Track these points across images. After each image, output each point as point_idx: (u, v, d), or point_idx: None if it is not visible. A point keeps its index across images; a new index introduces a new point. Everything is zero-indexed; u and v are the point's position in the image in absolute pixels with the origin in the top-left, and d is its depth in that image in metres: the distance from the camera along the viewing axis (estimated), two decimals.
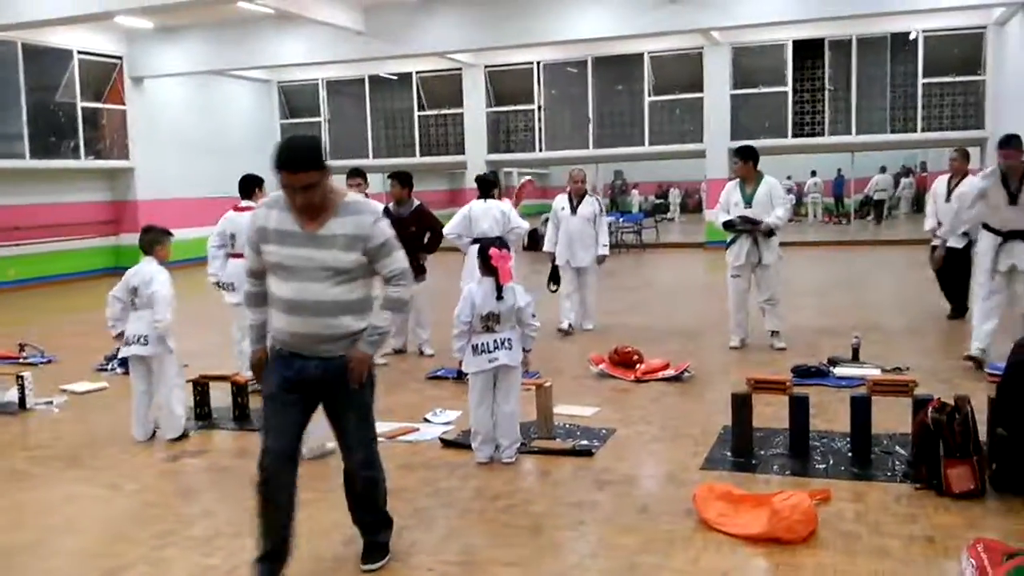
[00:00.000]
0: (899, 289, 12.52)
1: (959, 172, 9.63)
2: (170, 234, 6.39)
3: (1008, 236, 7.15)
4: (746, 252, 8.46)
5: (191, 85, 20.58)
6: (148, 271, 6.13)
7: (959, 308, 9.81)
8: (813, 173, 29.26)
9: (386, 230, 3.74)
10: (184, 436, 6.21)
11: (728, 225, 8.51)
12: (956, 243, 8.63)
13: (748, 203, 8.39)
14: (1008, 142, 7.09)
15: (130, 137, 19.02)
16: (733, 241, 8.57)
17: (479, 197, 8.99)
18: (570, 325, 9.84)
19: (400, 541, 4.25)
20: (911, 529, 4.18)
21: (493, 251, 5.37)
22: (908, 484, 4.72)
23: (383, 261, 3.74)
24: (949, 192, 9.53)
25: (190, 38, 18.33)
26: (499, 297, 5.30)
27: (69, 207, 18.10)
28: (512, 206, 9.03)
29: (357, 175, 8.52)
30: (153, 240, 6.28)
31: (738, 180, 8.60)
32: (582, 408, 6.55)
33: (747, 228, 8.38)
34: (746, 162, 8.49)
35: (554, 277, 10.01)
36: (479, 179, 9.15)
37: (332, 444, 5.74)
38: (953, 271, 9.44)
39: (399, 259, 3.78)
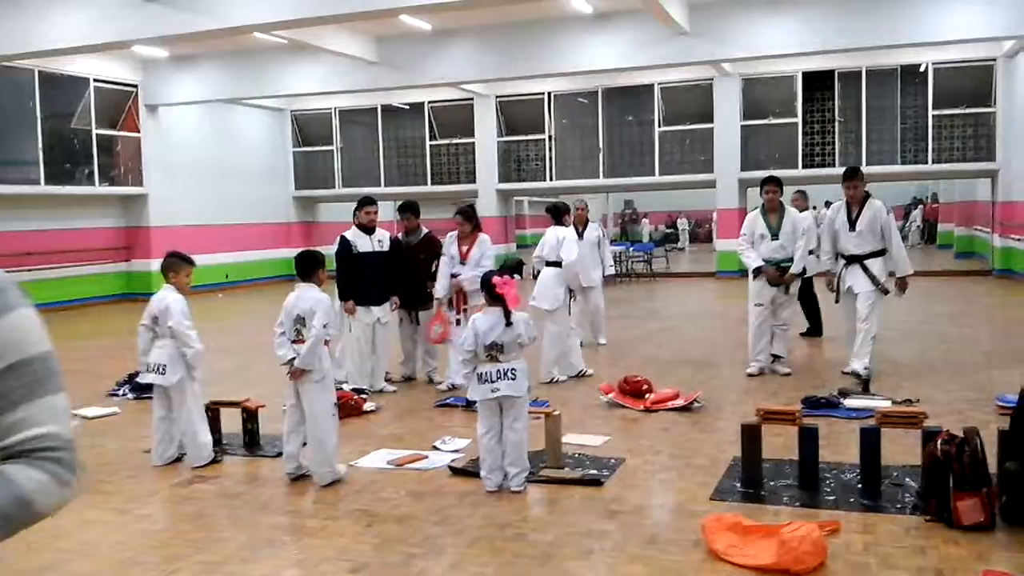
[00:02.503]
0: (909, 320, 12.49)
1: (798, 209, 10.40)
2: (188, 261, 6.32)
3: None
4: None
5: (205, 113, 20.81)
6: (164, 300, 6.13)
7: (816, 329, 11.04)
8: (827, 204, 29.13)
9: (31, 332, 1.60)
10: (215, 462, 6.24)
11: (757, 272, 8.53)
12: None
13: (775, 235, 8.50)
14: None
15: (144, 164, 19.20)
16: (759, 271, 8.60)
17: (554, 224, 9.16)
18: (579, 342, 10.34)
19: (409, 569, 4.26)
20: (920, 561, 4.17)
21: (496, 279, 5.42)
22: (918, 516, 4.70)
23: (17, 411, 1.53)
24: None
25: (205, 67, 18.55)
26: (508, 323, 5.33)
27: (82, 233, 18.25)
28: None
29: (369, 204, 8.56)
30: (166, 266, 6.28)
31: (760, 210, 8.66)
32: (591, 437, 6.56)
33: (775, 278, 8.47)
34: (778, 189, 8.63)
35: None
36: (548, 208, 9.41)
37: (343, 468, 5.80)
38: (808, 296, 10.79)
39: (57, 411, 1.57)
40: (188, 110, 20.02)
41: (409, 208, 8.92)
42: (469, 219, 8.48)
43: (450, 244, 8.52)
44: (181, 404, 6.15)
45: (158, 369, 6.13)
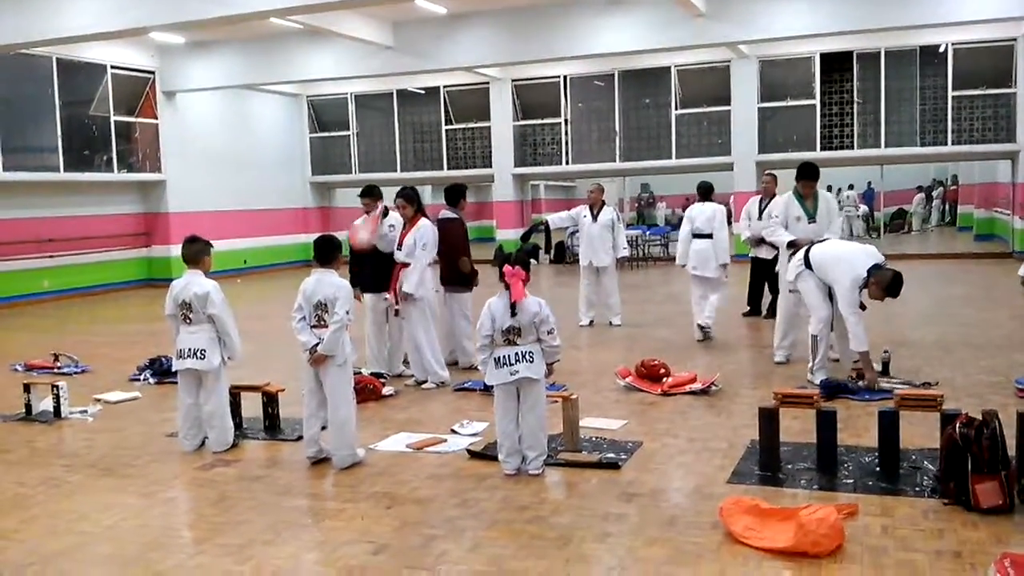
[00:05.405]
0: (928, 303, 12.44)
1: (769, 193, 10.72)
2: (211, 244, 6.42)
3: None
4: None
5: (222, 99, 20.86)
6: (203, 287, 6.12)
7: (756, 310, 11.46)
8: (851, 186, 28.66)
9: None
10: (234, 446, 6.30)
11: (792, 244, 8.33)
12: (766, 254, 10.44)
13: (812, 218, 8.35)
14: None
15: (162, 150, 19.27)
16: (794, 255, 8.45)
17: (699, 201, 10.31)
18: (591, 321, 11.21)
19: (429, 551, 4.30)
20: (938, 544, 4.17)
21: (507, 268, 5.40)
22: (936, 499, 4.71)
23: None
24: (760, 211, 10.55)
25: (221, 53, 18.56)
26: (513, 315, 5.36)
27: (102, 219, 18.36)
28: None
29: (362, 195, 8.45)
30: (200, 251, 6.30)
31: (793, 194, 8.50)
32: (609, 421, 6.58)
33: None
34: (815, 180, 8.47)
35: (529, 233, 11.12)
36: (699, 188, 10.48)
37: (363, 451, 5.85)
38: (759, 278, 11.21)
39: None
40: (205, 96, 20.07)
41: (450, 195, 8.84)
42: (411, 202, 8.06)
43: (399, 229, 8.21)
44: (215, 388, 6.19)
45: (197, 354, 6.14)
